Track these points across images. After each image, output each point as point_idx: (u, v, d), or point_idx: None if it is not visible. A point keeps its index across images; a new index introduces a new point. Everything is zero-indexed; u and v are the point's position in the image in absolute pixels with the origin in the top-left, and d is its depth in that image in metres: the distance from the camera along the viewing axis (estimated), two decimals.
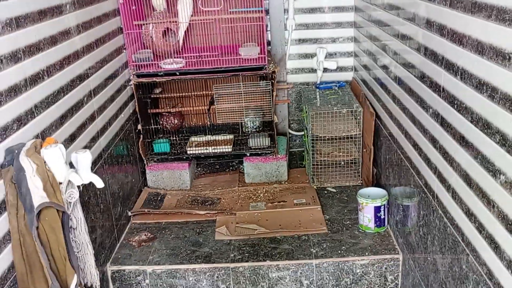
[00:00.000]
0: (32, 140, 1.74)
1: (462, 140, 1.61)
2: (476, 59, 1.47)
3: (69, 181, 1.69)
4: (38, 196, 1.57)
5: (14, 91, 1.74)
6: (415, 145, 2.15)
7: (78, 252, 1.79)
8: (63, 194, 1.66)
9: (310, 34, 3.54)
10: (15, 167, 1.59)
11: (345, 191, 3.17)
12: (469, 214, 1.58)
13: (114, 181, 2.76)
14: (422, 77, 2.00)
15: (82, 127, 2.33)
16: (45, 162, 1.63)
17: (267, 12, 3.39)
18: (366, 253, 2.53)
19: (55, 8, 2.12)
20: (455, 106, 1.66)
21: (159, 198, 3.23)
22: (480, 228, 1.50)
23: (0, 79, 1.66)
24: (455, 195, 1.70)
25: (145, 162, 3.29)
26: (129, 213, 2.98)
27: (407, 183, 2.30)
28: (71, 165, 1.82)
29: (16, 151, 1.64)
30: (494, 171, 1.39)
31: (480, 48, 1.44)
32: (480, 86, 1.45)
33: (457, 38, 1.61)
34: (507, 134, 1.30)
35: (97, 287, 1.90)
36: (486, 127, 1.43)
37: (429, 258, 2.02)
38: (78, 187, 1.71)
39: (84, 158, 1.78)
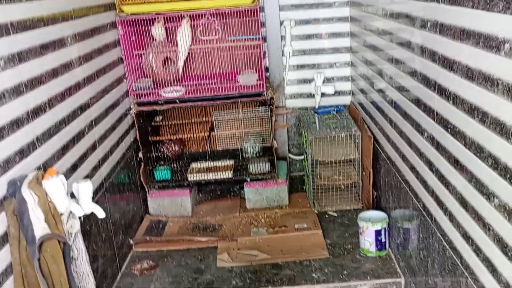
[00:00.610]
0: (34, 171, 1.76)
1: (456, 164, 1.64)
2: (466, 85, 1.51)
3: (71, 211, 1.71)
4: (40, 228, 1.59)
5: (17, 123, 1.78)
6: (412, 168, 2.17)
7: (79, 282, 1.80)
8: (64, 225, 1.68)
9: (307, 59, 3.59)
10: (17, 199, 1.62)
11: (346, 215, 3.18)
12: (467, 237, 1.60)
13: (116, 209, 2.78)
14: (417, 101, 2.04)
15: (83, 157, 2.37)
16: (46, 193, 1.66)
17: (264, 39, 3.46)
18: (368, 278, 2.52)
19: (57, 42, 2.17)
20: (449, 130, 1.68)
21: (160, 226, 3.24)
22: (478, 251, 1.51)
23: (3, 113, 1.70)
24: (452, 218, 1.71)
25: (146, 190, 3.31)
26: (131, 242, 2.99)
27: (406, 206, 2.31)
28: (73, 195, 1.85)
29: (18, 183, 1.66)
30: (488, 194, 1.41)
31: (470, 74, 1.48)
32: (472, 110, 1.48)
33: (448, 64, 1.65)
34: (499, 158, 1.33)
35: None
36: (479, 151, 1.45)
37: (430, 282, 2.02)
38: (79, 217, 1.74)
39: (85, 188, 1.80)
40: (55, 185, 1.65)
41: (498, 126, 1.32)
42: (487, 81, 1.36)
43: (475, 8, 1.41)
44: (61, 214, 1.68)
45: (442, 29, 1.69)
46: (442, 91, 1.73)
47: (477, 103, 1.44)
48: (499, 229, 1.35)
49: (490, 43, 1.33)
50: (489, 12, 1.33)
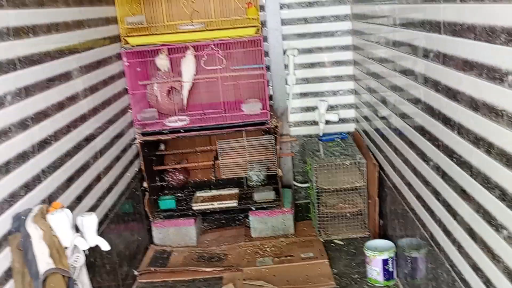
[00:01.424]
0: (39, 205, 1.76)
1: (463, 194, 1.62)
2: (470, 115, 1.51)
3: (75, 245, 1.70)
4: (44, 263, 1.58)
5: (22, 157, 1.79)
6: (419, 197, 2.15)
7: None
8: (68, 259, 1.67)
9: (311, 88, 3.62)
10: (22, 234, 1.61)
11: (352, 243, 3.14)
12: (476, 268, 1.57)
13: (121, 240, 2.76)
14: (421, 130, 2.04)
15: (88, 188, 2.36)
16: (51, 227, 1.65)
17: (268, 68, 3.49)
18: None
19: (63, 75, 2.20)
20: (454, 160, 1.68)
21: (165, 256, 3.21)
22: (488, 283, 1.49)
23: (9, 147, 1.70)
24: (461, 249, 1.69)
25: (151, 220, 3.30)
26: (136, 273, 2.96)
27: (414, 235, 2.29)
28: (77, 228, 1.84)
29: (23, 217, 1.66)
30: (497, 226, 1.39)
31: (474, 104, 1.48)
32: (477, 141, 1.48)
33: (452, 94, 1.65)
34: (506, 189, 1.32)
35: None
36: (485, 181, 1.44)
37: None
38: (84, 251, 1.73)
39: (90, 222, 1.80)
40: (60, 219, 1.65)
41: (504, 157, 1.31)
42: (491, 112, 1.36)
43: (477, 40, 1.42)
44: (65, 248, 1.68)
45: (445, 59, 1.70)
46: (446, 121, 1.73)
47: (482, 134, 1.44)
48: (509, 261, 1.33)
49: (493, 75, 1.33)
50: (491, 44, 1.34)
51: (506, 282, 1.36)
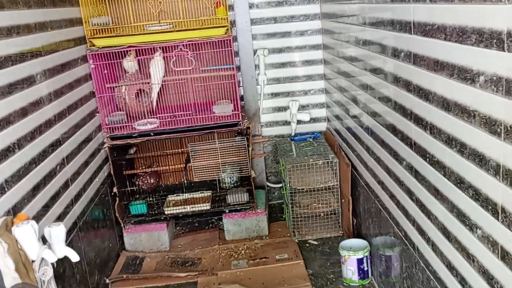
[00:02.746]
0: (3, 217, 1.68)
1: (437, 193, 1.63)
2: (443, 115, 1.51)
3: (43, 258, 1.63)
4: (10, 278, 1.51)
5: None
6: (392, 196, 2.16)
7: None
8: (36, 273, 1.60)
9: (282, 87, 3.60)
10: None
11: (326, 243, 3.14)
12: (451, 268, 1.58)
13: (91, 248, 2.69)
14: (393, 130, 2.04)
15: (55, 196, 2.28)
16: (16, 240, 1.58)
17: (238, 68, 3.45)
18: None
19: (26, 79, 2.11)
20: (427, 159, 1.68)
21: (137, 262, 3.14)
22: (463, 282, 1.49)
23: None
24: (435, 248, 1.70)
25: (122, 225, 3.22)
26: (107, 281, 2.89)
27: (388, 233, 2.30)
28: (44, 239, 1.77)
29: None
30: (471, 225, 1.40)
31: (446, 105, 1.48)
32: (449, 141, 1.48)
33: (424, 94, 1.65)
34: (479, 189, 1.32)
35: None
36: (459, 181, 1.45)
37: None
38: (52, 263, 1.66)
39: (58, 232, 1.73)
40: (25, 232, 1.58)
41: (477, 157, 1.31)
42: (464, 112, 1.37)
43: (448, 40, 1.42)
44: (32, 261, 1.61)
45: (415, 59, 1.70)
46: (418, 121, 1.73)
47: (455, 134, 1.44)
48: (484, 261, 1.34)
49: (465, 75, 1.34)
50: (462, 45, 1.34)
51: (481, 282, 1.37)
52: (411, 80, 1.77)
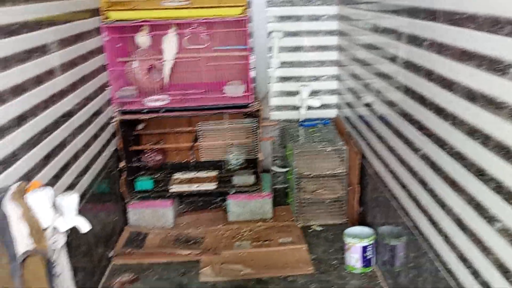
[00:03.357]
0: (17, 183, 1.67)
1: (454, 185, 1.62)
2: (467, 106, 1.50)
3: (55, 226, 1.62)
4: (23, 244, 1.50)
5: None
6: (404, 186, 2.15)
7: None
8: (48, 240, 1.59)
9: (293, 72, 3.57)
10: None
11: (330, 230, 3.15)
12: (463, 259, 1.58)
13: (96, 221, 2.69)
14: (410, 119, 2.02)
15: (65, 167, 2.28)
16: (30, 207, 1.57)
17: (251, 50, 3.42)
18: None
19: (41, 48, 2.09)
20: (446, 150, 1.67)
21: (141, 238, 3.15)
22: (475, 274, 1.49)
23: None
24: (447, 239, 1.70)
25: (127, 201, 3.22)
26: (111, 254, 2.89)
27: (395, 223, 2.30)
28: (56, 208, 1.76)
29: (0, 195, 1.57)
30: (490, 218, 1.39)
31: (471, 95, 1.47)
32: (472, 132, 1.47)
33: (447, 84, 1.64)
34: (502, 182, 1.31)
35: None
36: (480, 173, 1.44)
37: None
38: (65, 231, 1.65)
39: (71, 202, 1.72)
40: (40, 198, 1.57)
41: (502, 150, 1.30)
42: (490, 103, 1.35)
43: (478, 30, 1.40)
44: (45, 229, 1.60)
45: (440, 49, 1.68)
46: (439, 111, 1.71)
47: (478, 125, 1.43)
48: (501, 254, 1.34)
49: (495, 66, 1.32)
50: (494, 35, 1.32)
51: (496, 274, 1.37)
52: (433, 69, 1.75)
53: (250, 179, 3.28)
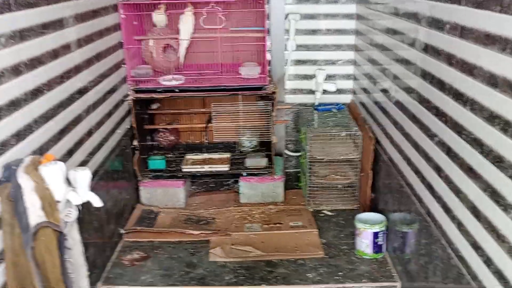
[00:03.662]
0: (31, 156, 1.68)
1: (470, 172, 1.59)
2: (488, 91, 1.46)
3: (67, 200, 1.64)
4: (35, 215, 1.51)
5: (14, 105, 1.70)
6: (418, 172, 2.13)
7: (72, 273, 1.73)
8: (60, 213, 1.61)
9: (310, 55, 3.54)
10: (12, 184, 1.54)
11: (341, 215, 3.14)
12: (476, 247, 1.56)
13: (109, 198, 2.70)
14: (427, 105, 1.99)
15: (79, 142, 2.29)
16: (43, 179, 1.58)
17: (268, 32, 3.38)
18: (364, 280, 2.49)
19: (58, 21, 2.08)
20: (463, 136, 1.64)
21: (152, 216, 3.17)
22: (488, 262, 1.48)
23: (1, 93, 1.61)
24: (461, 226, 1.68)
25: (139, 179, 3.23)
26: (122, 231, 2.91)
27: (408, 210, 2.28)
28: (69, 182, 1.77)
29: (14, 167, 1.59)
30: (506, 206, 1.37)
31: (493, 81, 1.43)
32: (492, 118, 1.44)
33: (468, 69, 1.60)
34: None
35: None
36: (498, 160, 1.41)
37: None
38: (78, 206, 1.67)
39: (83, 177, 1.73)
40: (53, 171, 1.58)
41: None
42: None
43: (504, 13, 1.36)
44: (57, 202, 1.61)
45: (462, 32, 1.64)
46: (458, 96, 1.68)
47: (499, 111, 1.40)
48: None
49: None
50: None
51: (510, 262, 1.35)
52: (455, 53, 1.71)
53: (262, 161, 3.27)
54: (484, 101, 1.49)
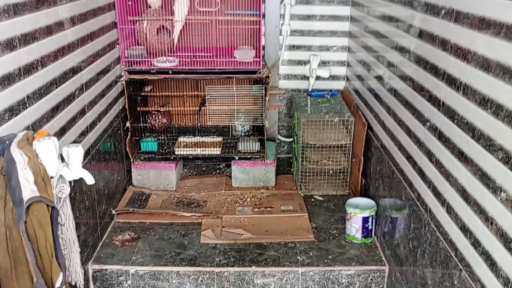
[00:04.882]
0: (24, 131, 1.68)
1: (461, 156, 1.62)
2: (481, 75, 1.48)
3: (61, 175, 1.63)
4: (28, 190, 1.51)
5: (8, 79, 1.69)
6: (409, 158, 2.15)
7: (64, 249, 1.74)
8: (53, 189, 1.61)
9: (304, 41, 3.54)
10: (5, 158, 1.53)
11: (332, 200, 3.16)
12: (465, 230, 1.58)
13: (100, 178, 2.70)
14: (421, 90, 2.01)
15: (72, 121, 2.28)
16: (37, 155, 1.58)
17: (263, 16, 3.37)
18: (353, 263, 2.52)
19: None
20: (455, 121, 1.66)
21: (144, 198, 3.17)
22: (476, 244, 1.50)
23: None
24: (450, 210, 1.70)
25: (131, 161, 3.23)
26: (113, 211, 2.92)
27: (398, 195, 2.30)
28: (62, 159, 1.77)
29: (7, 142, 1.58)
30: (495, 188, 1.39)
31: (486, 65, 1.45)
32: (484, 102, 1.45)
33: (462, 54, 1.61)
34: (510, 152, 1.31)
35: (82, 286, 1.84)
36: (488, 143, 1.43)
37: (418, 272, 2.02)
38: (70, 182, 1.66)
39: (77, 153, 1.73)
40: (47, 147, 1.57)
41: None
42: (506, 73, 1.33)
43: None
44: (51, 177, 1.61)
45: (457, 17, 1.65)
46: (451, 81, 1.70)
47: (491, 95, 1.41)
48: (503, 223, 1.34)
49: None
50: None
51: (497, 243, 1.37)
52: (449, 38, 1.72)
53: (255, 146, 3.28)
54: (477, 85, 1.50)
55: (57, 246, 1.61)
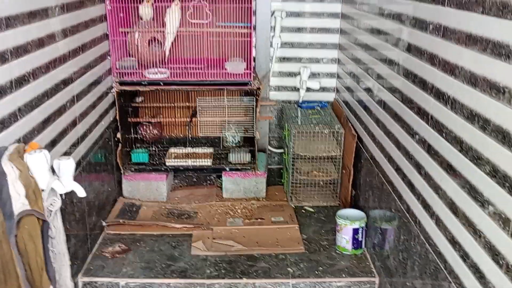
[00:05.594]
0: (15, 144, 1.68)
1: (449, 169, 1.64)
2: (468, 90, 1.50)
3: (52, 188, 1.63)
4: (19, 203, 1.51)
5: (0, 92, 1.69)
6: (398, 170, 2.17)
7: (55, 262, 1.73)
8: (44, 202, 1.61)
9: (294, 52, 3.57)
10: None
11: (322, 211, 3.18)
12: (453, 242, 1.60)
13: (91, 190, 2.69)
14: (410, 104, 2.03)
15: (63, 133, 2.28)
16: (28, 167, 1.58)
17: (254, 28, 3.40)
18: (343, 275, 2.53)
19: (44, 10, 2.07)
20: (444, 134, 1.69)
21: (134, 209, 3.16)
22: (465, 256, 1.52)
23: None
24: (439, 222, 1.72)
25: (122, 172, 3.23)
26: (104, 223, 2.91)
27: (388, 207, 2.32)
28: (53, 171, 1.77)
29: None
30: (483, 202, 1.41)
31: (473, 80, 1.48)
32: (472, 116, 1.48)
33: (449, 69, 1.64)
34: (498, 166, 1.33)
35: None
36: (476, 157, 1.45)
37: (407, 284, 2.04)
38: (61, 195, 1.66)
39: (68, 166, 1.73)
40: (38, 160, 1.58)
41: (500, 134, 1.32)
42: (492, 88, 1.36)
43: (486, 14, 1.40)
44: (42, 190, 1.61)
45: (445, 32, 1.68)
46: (439, 95, 1.72)
47: (478, 110, 1.44)
48: (492, 237, 1.36)
49: (499, 51, 1.33)
50: (500, 19, 1.32)
51: (485, 256, 1.39)
52: (437, 53, 1.75)
53: (246, 157, 3.29)
54: (464, 100, 1.53)
55: (47, 259, 1.60)
